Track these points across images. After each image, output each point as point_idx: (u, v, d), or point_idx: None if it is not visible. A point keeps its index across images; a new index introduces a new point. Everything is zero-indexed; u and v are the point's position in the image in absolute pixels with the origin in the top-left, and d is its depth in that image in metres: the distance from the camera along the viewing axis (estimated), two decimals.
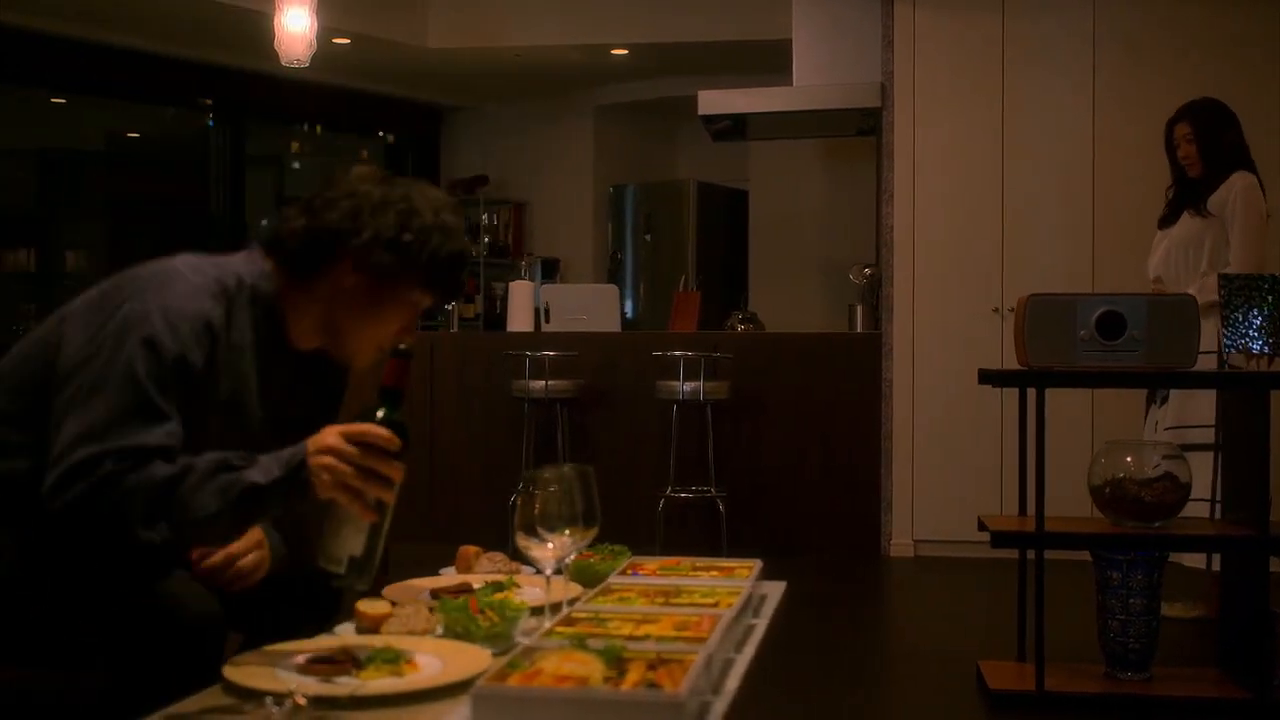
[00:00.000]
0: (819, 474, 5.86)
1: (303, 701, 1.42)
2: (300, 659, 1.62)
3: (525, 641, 1.70)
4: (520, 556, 1.90)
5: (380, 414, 1.73)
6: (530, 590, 2.01)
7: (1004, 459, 5.44)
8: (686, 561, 2.18)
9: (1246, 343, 3.41)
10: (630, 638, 1.61)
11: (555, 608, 1.82)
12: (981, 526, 3.51)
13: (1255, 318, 3.38)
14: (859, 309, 6.26)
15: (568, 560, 1.81)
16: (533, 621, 1.84)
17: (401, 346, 1.79)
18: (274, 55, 5.36)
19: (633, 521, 5.61)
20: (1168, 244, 4.38)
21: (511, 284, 6.64)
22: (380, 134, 9.67)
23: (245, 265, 1.93)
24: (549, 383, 5.78)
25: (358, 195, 1.91)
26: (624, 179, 8.94)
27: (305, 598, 1.97)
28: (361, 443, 1.69)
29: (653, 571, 2.10)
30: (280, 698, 1.43)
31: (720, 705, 1.50)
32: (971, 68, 5.72)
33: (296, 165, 10.34)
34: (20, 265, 8.25)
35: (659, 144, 9.45)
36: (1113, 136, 5.56)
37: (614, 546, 2.23)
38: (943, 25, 5.74)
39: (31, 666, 1.84)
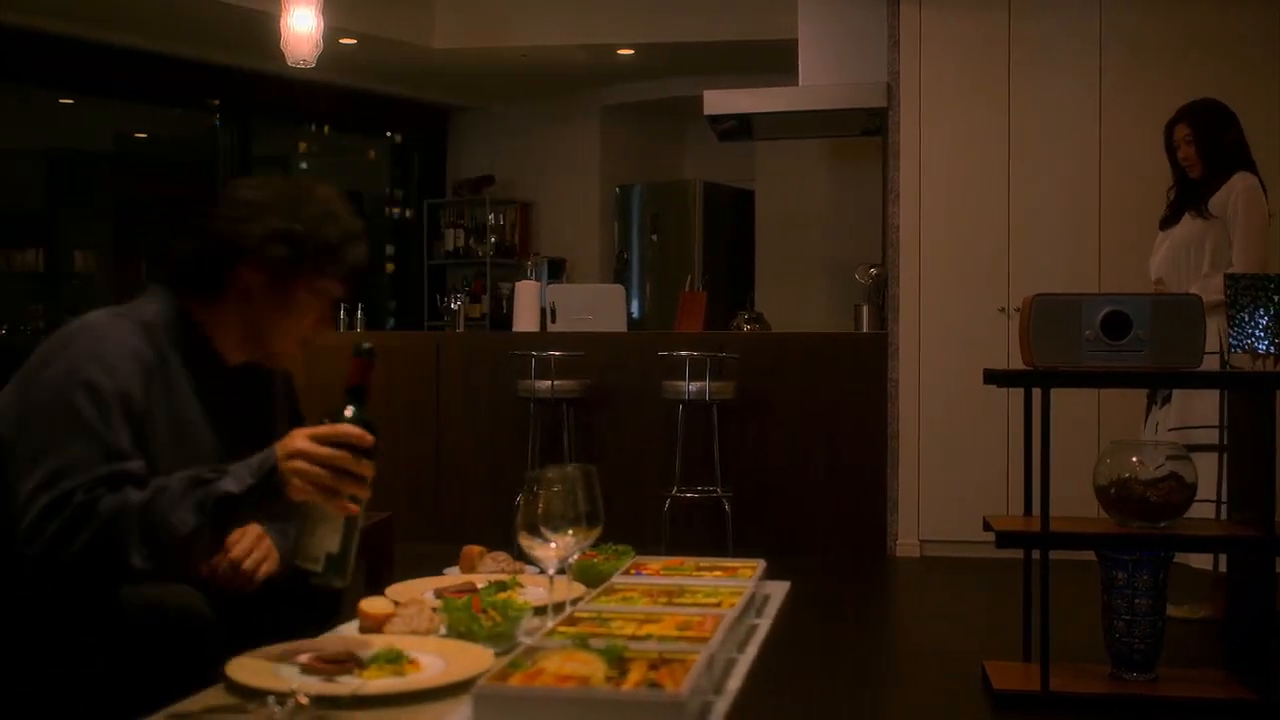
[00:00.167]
0: (825, 474, 5.86)
1: (305, 701, 1.43)
2: (303, 658, 1.63)
3: (527, 641, 1.70)
4: (523, 556, 1.91)
5: (349, 413, 1.76)
6: (533, 590, 2.01)
7: (1010, 459, 5.43)
8: (690, 561, 2.18)
9: (1253, 343, 3.40)
10: (632, 637, 1.61)
11: (558, 607, 1.82)
12: (987, 527, 3.50)
13: (1261, 317, 3.37)
14: (865, 309, 6.26)
15: (570, 560, 1.81)
16: (535, 621, 1.84)
17: (365, 346, 1.80)
18: (280, 56, 5.36)
19: (638, 521, 5.61)
20: (1169, 245, 4.37)
21: (517, 284, 6.65)
22: (387, 134, 9.68)
23: (155, 302, 1.99)
24: (555, 383, 5.79)
25: (240, 203, 1.97)
26: (630, 179, 8.95)
27: (305, 598, 1.98)
28: (332, 442, 1.71)
29: (656, 571, 2.10)
30: (283, 697, 1.43)
31: (722, 705, 1.50)
32: (977, 68, 5.71)
33: (304, 166, 10.36)
34: (28, 265, 8.28)
35: (665, 144, 9.45)
36: (1118, 136, 5.55)
37: (618, 546, 2.23)
38: (948, 25, 5.74)
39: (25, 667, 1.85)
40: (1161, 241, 4.42)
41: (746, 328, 6.44)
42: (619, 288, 6.82)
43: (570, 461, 4.36)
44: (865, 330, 6.18)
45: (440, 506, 6.23)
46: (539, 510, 1.75)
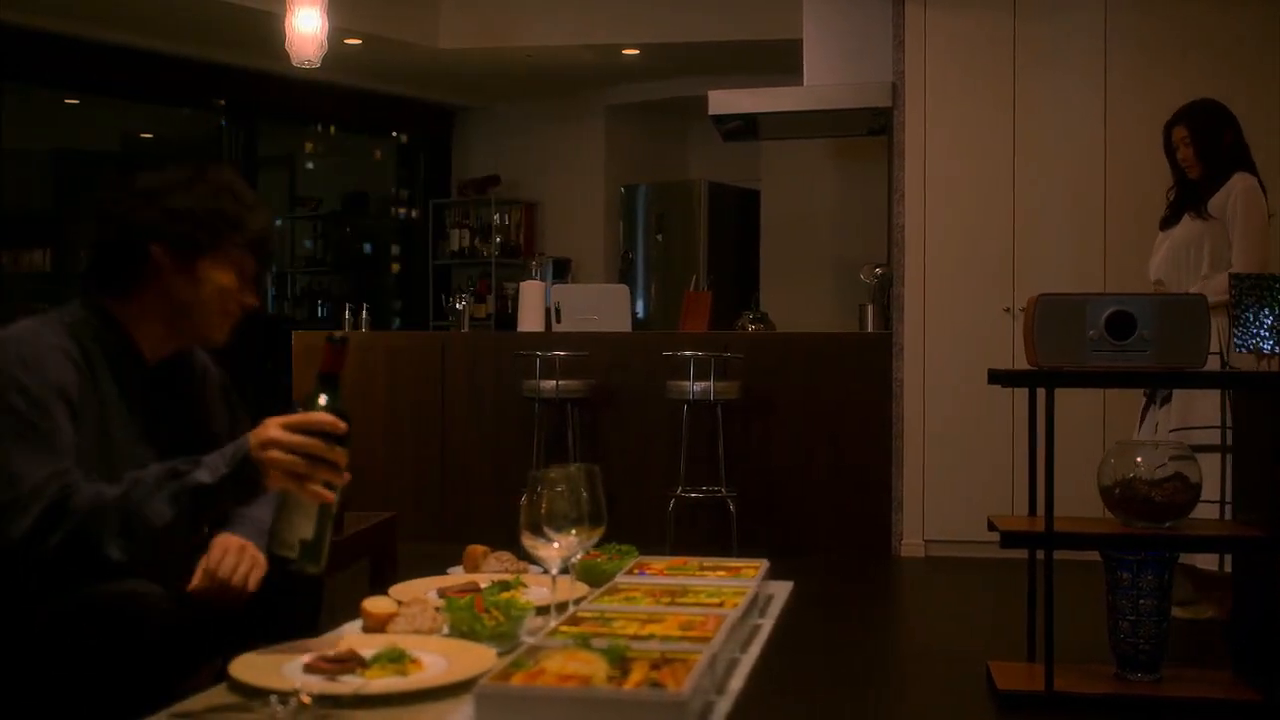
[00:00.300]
0: (829, 474, 5.86)
1: (308, 700, 1.43)
2: (306, 657, 1.63)
3: (530, 641, 1.71)
4: (527, 556, 1.91)
5: (322, 400, 1.76)
6: (536, 590, 2.01)
7: (1014, 459, 5.43)
8: (694, 561, 2.18)
9: (1257, 343, 3.39)
10: (635, 637, 1.61)
11: (561, 607, 1.82)
12: (991, 527, 3.50)
13: (1266, 317, 3.37)
14: (870, 309, 6.25)
15: (574, 560, 1.81)
16: (538, 621, 1.84)
17: (336, 334, 1.80)
18: (286, 56, 5.37)
19: (643, 521, 5.62)
20: (1169, 245, 4.36)
21: (522, 284, 6.64)
22: (393, 134, 9.69)
23: (76, 308, 2.00)
24: (560, 383, 5.79)
25: (138, 192, 2.00)
26: (635, 179, 8.95)
27: (285, 605, 1.97)
28: (305, 430, 1.71)
29: (659, 571, 2.10)
30: (285, 696, 1.43)
31: (724, 705, 1.50)
32: (982, 67, 5.71)
33: (310, 165, 10.38)
34: (35, 265, 8.28)
35: (670, 144, 9.45)
36: (1124, 136, 5.54)
37: (621, 546, 2.23)
38: (954, 24, 5.73)
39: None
40: (1161, 242, 4.42)
41: (751, 328, 6.43)
42: (624, 288, 6.82)
43: (574, 461, 4.36)
44: (870, 330, 6.18)
45: (444, 506, 6.24)
46: (542, 510, 1.75)
